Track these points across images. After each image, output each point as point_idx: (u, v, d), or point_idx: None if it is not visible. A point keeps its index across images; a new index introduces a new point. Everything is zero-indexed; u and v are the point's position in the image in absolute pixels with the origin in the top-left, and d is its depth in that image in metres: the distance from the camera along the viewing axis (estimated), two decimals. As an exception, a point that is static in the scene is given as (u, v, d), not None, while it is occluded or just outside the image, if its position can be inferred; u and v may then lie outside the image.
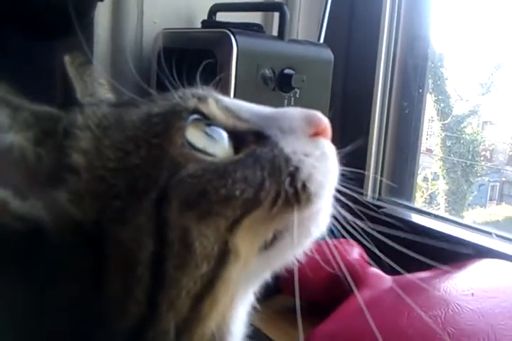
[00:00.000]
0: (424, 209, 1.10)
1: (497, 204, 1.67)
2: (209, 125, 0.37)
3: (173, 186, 0.33)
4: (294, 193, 0.36)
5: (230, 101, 0.40)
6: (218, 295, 0.34)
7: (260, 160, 0.36)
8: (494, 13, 1.23)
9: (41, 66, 0.73)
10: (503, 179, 1.72)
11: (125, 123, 0.36)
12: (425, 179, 1.55)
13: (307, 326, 0.40)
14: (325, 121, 0.40)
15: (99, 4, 0.84)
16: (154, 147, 0.35)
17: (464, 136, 1.48)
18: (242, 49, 0.85)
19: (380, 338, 0.43)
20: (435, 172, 1.55)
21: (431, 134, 1.50)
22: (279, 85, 0.91)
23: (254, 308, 0.42)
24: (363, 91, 1.14)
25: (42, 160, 0.34)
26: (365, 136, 1.13)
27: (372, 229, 0.43)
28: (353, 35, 1.16)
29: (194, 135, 0.36)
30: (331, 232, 0.41)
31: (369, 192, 1.14)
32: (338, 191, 0.41)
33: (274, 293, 0.79)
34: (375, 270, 0.79)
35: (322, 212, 0.39)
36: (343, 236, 0.41)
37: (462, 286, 0.68)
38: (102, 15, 0.96)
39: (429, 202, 1.56)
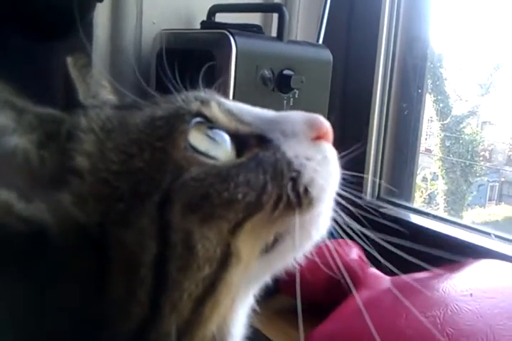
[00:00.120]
0: (423, 209, 1.10)
1: (496, 205, 1.67)
2: (211, 128, 0.37)
3: (176, 189, 0.33)
4: (296, 197, 0.36)
5: (233, 104, 0.41)
6: (220, 297, 0.34)
7: (262, 164, 0.36)
8: (493, 13, 1.23)
9: (41, 66, 0.73)
10: (502, 179, 1.72)
11: (129, 126, 0.36)
12: (424, 179, 1.55)
13: (306, 326, 0.40)
14: (326, 125, 0.40)
15: (99, 5, 0.84)
16: (158, 150, 0.35)
17: (463, 136, 1.48)
18: (241, 50, 0.86)
19: (378, 339, 0.43)
20: (434, 173, 1.55)
21: (430, 134, 1.50)
22: (278, 86, 0.91)
23: (253, 310, 0.42)
24: (362, 91, 1.14)
25: (45, 163, 0.34)
26: (365, 136, 1.13)
27: (371, 229, 0.43)
28: (352, 36, 1.16)
29: (197, 138, 0.36)
30: (330, 233, 0.41)
31: (368, 193, 1.14)
32: (338, 192, 0.41)
33: (273, 294, 0.79)
34: (373, 270, 0.79)
35: (323, 215, 0.39)
36: (342, 237, 0.41)
37: (461, 287, 0.68)
38: (101, 16, 0.96)
39: (428, 202, 1.56)
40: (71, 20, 0.56)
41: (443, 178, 1.52)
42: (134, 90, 0.43)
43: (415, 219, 1.04)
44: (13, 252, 0.33)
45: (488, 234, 0.93)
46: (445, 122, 1.50)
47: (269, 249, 0.37)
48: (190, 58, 0.82)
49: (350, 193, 0.41)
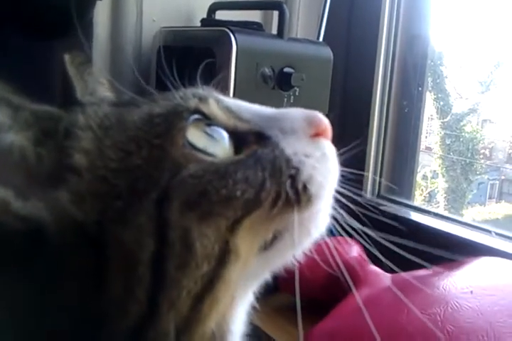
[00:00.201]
0: (424, 207, 1.10)
1: (496, 203, 1.68)
2: (210, 125, 0.37)
3: (174, 186, 0.33)
4: (295, 194, 0.36)
5: (231, 101, 0.40)
6: (218, 294, 0.34)
7: (261, 161, 0.36)
8: (493, 11, 1.23)
9: (41, 66, 0.73)
10: (503, 177, 1.72)
11: (126, 123, 0.36)
12: (424, 177, 1.55)
13: (306, 324, 0.40)
14: (325, 122, 0.40)
15: (99, 3, 0.84)
16: (156, 147, 0.35)
17: (463, 134, 1.48)
18: (241, 47, 0.85)
19: (378, 336, 0.43)
20: (434, 171, 1.55)
21: (430, 132, 1.50)
22: (278, 84, 0.91)
23: (253, 307, 0.42)
24: (363, 89, 1.14)
25: (42, 161, 0.34)
26: (365, 134, 1.13)
27: (371, 227, 0.43)
28: (352, 34, 1.16)
29: (195, 135, 0.36)
30: (330, 231, 0.41)
31: (368, 190, 1.14)
32: (337, 190, 0.41)
33: (273, 291, 0.79)
34: (374, 268, 0.79)
35: (322, 212, 0.39)
36: (341, 235, 0.41)
37: (461, 284, 0.68)
38: (101, 14, 0.96)
39: (429, 201, 1.56)
40: (71, 18, 0.55)
41: (443, 176, 1.51)
42: (134, 88, 0.43)
43: (415, 216, 1.04)
44: (11, 251, 0.33)
45: (489, 231, 0.93)
46: (445, 120, 1.50)
47: (267, 246, 0.37)
48: (190, 56, 0.82)
49: (350, 191, 0.41)
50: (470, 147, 1.46)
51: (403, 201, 1.11)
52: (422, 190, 1.54)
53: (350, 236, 0.42)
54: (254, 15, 1.10)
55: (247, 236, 0.35)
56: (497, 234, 0.92)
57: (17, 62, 0.67)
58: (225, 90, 0.83)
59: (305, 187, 0.37)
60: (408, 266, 0.48)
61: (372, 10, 1.12)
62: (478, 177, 1.56)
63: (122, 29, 1.00)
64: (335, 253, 0.42)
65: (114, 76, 0.51)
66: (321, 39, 1.06)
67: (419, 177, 1.36)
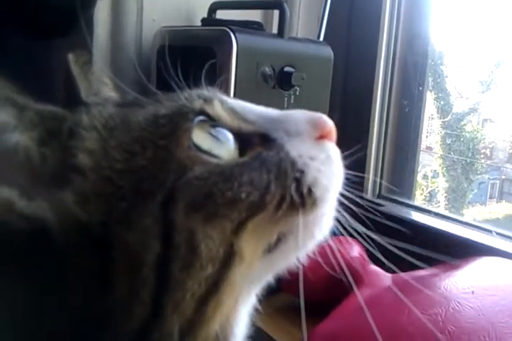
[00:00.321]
0: (424, 206, 1.10)
1: (497, 202, 1.68)
2: (214, 126, 0.37)
3: (179, 188, 0.33)
4: (300, 197, 0.36)
5: (236, 102, 0.40)
6: (223, 297, 0.34)
7: (266, 163, 0.36)
8: (494, 11, 1.23)
9: (41, 66, 0.73)
10: (503, 177, 1.72)
11: (131, 124, 0.36)
12: (425, 177, 1.55)
13: (307, 325, 0.40)
14: (330, 124, 0.40)
15: (99, 2, 0.84)
16: (161, 148, 0.35)
17: (463, 133, 1.48)
18: (242, 47, 0.85)
19: (380, 337, 0.43)
20: (435, 170, 1.55)
21: (431, 132, 1.50)
22: (279, 83, 0.91)
23: (256, 310, 0.42)
24: (363, 89, 1.14)
25: (47, 161, 0.34)
26: (365, 133, 1.13)
27: (372, 227, 0.43)
28: (352, 33, 1.16)
29: (200, 136, 0.36)
30: (331, 231, 0.41)
31: (369, 191, 1.14)
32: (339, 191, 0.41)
33: (275, 292, 0.79)
34: (375, 268, 0.79)
35: (326, 215, 0.39)
36: (343, 235, 0.41)
37: (462, 284, 0.68)
38: (101, 13, 0.95)
39: (429, 200, 1.56)
40: (71, 17, 0.55)
41: (444, 176, 1.52)
42: (134, 87, 0.43)
43: (416, 216, 1.04)
44: (14, 250, 0.33)
45: (490, 231, 0.93)
46: (446, 120, 1.50)
47: (272, 248, 0.37)
48: (190, 55, 0.81)
49: (351, 191, 0.41)
50: (470, 146, 1.46)
51: (404, 201, 1.11)
52: (423, 189, 1.54)
53: (351, 235, 0.41)
54: (254, 15, 1.10)
55: (252, 238, 0.35)
56: (498, 233, 0.92)
57: (17, 62, 0.66)
58: (225, 90, 0.83)
59: (310, 190, 0.37)
60: (409, 266, 0.48)
61: (373, 9, 1.12)
62: (479, 176, 1.56)
63: (122, 28, 1.00)
64: (337, 254, 0.42)
65: (114, 75, 0.51)
66: (321, 38, 1.06)
67: (419, 177, 1.36)
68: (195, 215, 0.33)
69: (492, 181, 1.69)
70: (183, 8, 1.06)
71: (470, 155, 1.49)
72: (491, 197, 1.69)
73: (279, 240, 0.37)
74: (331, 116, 0.41)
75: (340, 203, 0.41)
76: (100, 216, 0.33)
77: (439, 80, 1.44)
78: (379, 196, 1.14)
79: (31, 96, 0.36)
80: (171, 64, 0.46)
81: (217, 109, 0.38)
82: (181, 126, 0.35)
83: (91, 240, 0.33)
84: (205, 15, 1.02)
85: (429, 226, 0.97)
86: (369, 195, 1.13)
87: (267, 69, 0.89)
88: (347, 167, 0.42)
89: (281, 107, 0.41)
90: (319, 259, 0.42)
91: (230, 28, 0.86)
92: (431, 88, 1.34)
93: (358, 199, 0.42)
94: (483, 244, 0.88)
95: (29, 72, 0.65)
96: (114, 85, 0.50)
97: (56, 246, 0.32)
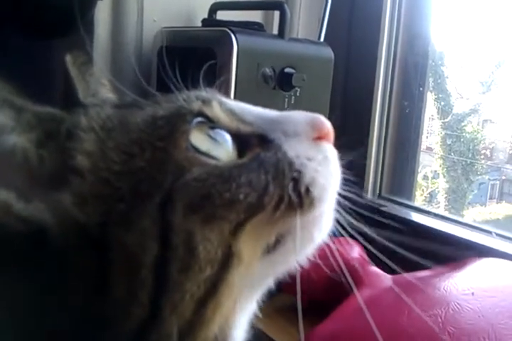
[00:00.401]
0: (424, 207, 1.10)
1: (497, 203, 1.68)
2: (213, 128, 0.37)
3: (177, 189, 0.33)
4: (297, 197, 0.36)
5: (234, 103, 0.40)
6: (221, 299, 0.34)
7: (264, 164, 0.36)
8: (494, 11, 1.23)
9: (41, 66, 0.73)
10: (503, 177, 1.72)
11: (129, 125, 0.36)
12: (425, 177, 1.55)
13: (307, 325, 0.40)
14: (328, 125, 0.40)
15: (99, 2, 0.84)
16: (159, 150, 0.35)
17: (464, 134, 1.48)
18: (242, 48, 0.85)
19: (380, 337, 0.43)
20: (435, 171, 1.55)
21: (431, 132, 1.50)
22: (279, 84, 0.91)
23: (255, 315, 0.42)
24: (364, 89, 1.14)
25: (44, 162, 0.34)
26: (366, 134, 1.13)
27: (372, 228, 0.43)
28: (353, 34, 1.16)
29: (198, 138, 0.36)
30: (331, 231, 0.41)
31: (369, 191, 1.14)
32: (338, 191, 0.40)
33: (275, 293, 0.79)
34: (375, 269, 0.79)
35: (325, 216, 0.39)
36: (342, 235, 0.41)
37: (462, 285, 0.68)
38: (101, 14, 0.95)
39: (429, 201, 1.56)
40: (72, 18, 0.55)
41: (444, 177, 1.51)
42: (134, 88, 0.43)
43: (416, 217, 1.04)
44: (13, 252, 0.33)
45: (490, 232, 0.92)
46: (446, 120, 1.50)
47: (270, 250, 0.37)
48: (191, 56, 0.81)
49: (351, 192, 0.41)
50: (471, 147, 1.46)
51: (404, 201, 1.11)
52: (423, 190, 1.54)
53: (351, 236, 0.41)
54: (255, 16, 1.10)
55: (250, 239, 0.35)
56: (498, 234, 0.92)
57: (17, 62, 0.66)
58: (225, 91, 0.83)
59: (307, 190, 0.37)
60: (409, 266, 0.48)
61: (373, 10, 1.12)
62: (479, 177, 1.56)
63: (123, 29, 1.00)
64: (336, 253, 0.42)
65: (114, 76, 0.51)
66: (322, 39, 1.06)
67: (419, 178, 1.36)
68: (194, 217, 0.33)
69: (492, 182, 1.69)
70: (184, 8, 1.06)
71: (470, 155, 1.49)
72: (491, 198, 1.68)
73: (277, 242, 0.37)
74: (331, 116, 0.41)
75: (340, 204, 0.41)
76: (98, 217, 0.33)
77: (439, 81, 1.44)
78: (379, 197, 1.14)
79: (31, 96, 0.36)
80: (171, 64, 0.46)
81: (215, 111, 0.38)
82: (179, 127, 0.35)
83: (89, 241, 0.33)
84: (206, 16, 1.02)
85: (429, 227, 0.97)
86: (369, 196, 1.13)
87: (268, 70, 0.89)
88: (347, 167, 0.42)
89: (281, 108, 0.41)
90: (319, 261, 0.42)
91: (230, 29, 0.86)
92: (431, 89, 1.34)
93: (358, 200, 0.42)
94: (483, 245, 0.88)
95: (29, 72, 0.65)
96: (113, 86, 0.50)
97: (54, 248, 0.33)
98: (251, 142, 0.37)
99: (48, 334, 0.34)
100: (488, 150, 1.55)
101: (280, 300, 0.80)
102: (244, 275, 0.35)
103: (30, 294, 0.33)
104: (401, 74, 1.14)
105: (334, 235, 0.41)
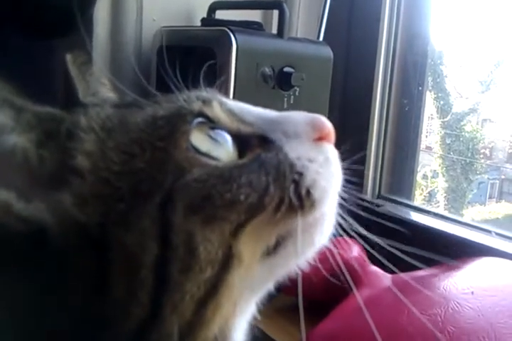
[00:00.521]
0: (424, 207, 1.10)
1: (496, 202, 1.68)
2: (213, 128, 0.37)
3: (177, 190, 0.33)
4: (298, 199, 0.36)
5: (234, 104, 0.40)
6: (222, 299, 0.34)
7: (265, 165, 0.36)
8: (494, 10, 1.23)
9: (41, 66, 0.73)
10: (503, 177, 1.72)
11: (129, 125, 0.36)
12: (425, 177, 1.55)
13: (306, 325, 0.40)
14: (329, 126, 0.40)
15: (98, 1, 0.84)
16: (159, 150, 0.34)
17: (463, 133, 1.48)
18: (241, 47, 0.85)
19: (379, 337, 0.43)
20: (434, 170, 1.55)
21: (430, 132, 1.50)
22: (278, 83, 0.91)
23: (255, 318, 0.42)
24: (363, 88, 1.14)
25: (44, 162, 0.34)
26: (365, 133, 1.13)
27: (371, 228, 0.43)
28: (352, 33, 1.16)
29: (198, 138, 0.36)
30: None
31: (369, 191, 1.14)
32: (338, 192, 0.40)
33: (275, 293, 0.79)
34: (374, 268, 0.79)
35: (326, 219, 0.39)
36: (341, 235, 0.41)
37: (462, 285, 0.68)
38: (101, 13, 0.95)
39: (429, 200, 1.56)
40: (71, 17, 0.55)
41: (443, 176, 1.51)
42: (134, 87, 0.43)
43: (416, 217, 1.04)
44: (13, 252, 0.33)
45: (489, 231, 0.92)
46: (445, 120, 1.50)
47: (271, 252, 0.37)
48: (190, 55, 0.81)
49: (350, 192, 0.41)
50: (470, 146, 1.46)
51: (403, 201, 1.11)
52: (422, 189, 1.54)
53: (350, 236, 0.41)
54: (254, 15, 1.10)
55: (250, 241, 0.35)
56: (497, 234, 0.92)
57: (17, 62, 0.66)
58: (225, 90, 0.83)
59: (308, 192, 0.36)
60: (408, 266, 0.48)
61: (373, 9, 1.12)
62: (479, 176, 1.56)
63: (122, 28, 1.00)
64: (336, 255, 0.42)
65: (114, 75, 0.51)
66: (321, 38, 1.06)
67: (419, 177, 1.36)
68: (194, 217, 0.33)
69: (492, 181, 1.69)
70: (183, 8, 1.06)
71: (469, 155, 1.49)
72: (490, 197, 1.68)
73: (278, 244, 0.37)
74: (330, 116, 0.41)
75: (339, 203, 0.40)
76: (98, 217, 0.33)
77: (438, 80, 1.44)
78: (378, 196, 1.14)
79: (31, 96, 0.36)
80: (170, 64, 0.46)
81: (216, 111, 0.38)
82: (179, 128, 0.35)
83: (89, 241, 0.33)
84: (205, 16, 1.02)
85: (429, 226, 0.97)
86: (368, 195, 1.13)
87: (267, 70, 0.89)
88: (346, 167, 0.41)
89: (280, 107, 0.41)
90: (319, 262, 0.41)
91: (229, 29, 0.86)
92: (430, 88, 1.34)
93: (357, 200, 0.42)
94: (482, 245, 0.88)
95: (29, 72, 0.65)
96: (113, 86, 0.50)
97: (54, 247, 0.32)
98: (251, 142, 0.37)
99: (47, 334, 0.34)
100: (488, 150, 1.55)
101: (280, 301, 0.80)
102: (244, 277, 0.35)
103: (30, 294, 0.33)
104: (400, 74, 1.14)
105: (333, 235, 0.41)
